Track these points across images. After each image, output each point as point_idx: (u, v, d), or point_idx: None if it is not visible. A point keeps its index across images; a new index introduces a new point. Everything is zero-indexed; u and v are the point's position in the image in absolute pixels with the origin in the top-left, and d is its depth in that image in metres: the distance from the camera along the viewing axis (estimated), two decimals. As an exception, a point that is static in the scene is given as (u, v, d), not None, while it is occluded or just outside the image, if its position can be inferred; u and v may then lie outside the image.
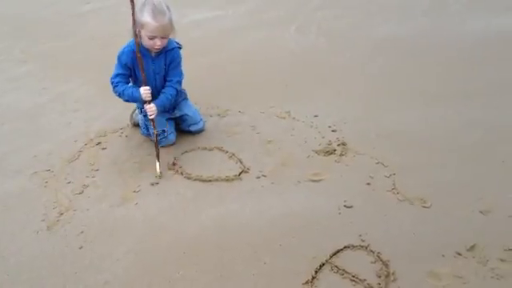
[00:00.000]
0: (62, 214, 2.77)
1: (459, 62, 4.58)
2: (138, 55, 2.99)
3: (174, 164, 3.16)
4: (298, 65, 4.75)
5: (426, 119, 3.58)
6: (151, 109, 3.09)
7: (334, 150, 3.24)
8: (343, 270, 2.28)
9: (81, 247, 2.52)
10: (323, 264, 2.32)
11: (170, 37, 3.11)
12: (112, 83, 3.18)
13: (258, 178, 3.02)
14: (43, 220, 2.72)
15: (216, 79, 4.49)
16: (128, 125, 3.65)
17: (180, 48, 3.31)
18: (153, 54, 3.16)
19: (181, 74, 3.33)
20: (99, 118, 3.78)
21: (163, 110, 3.27)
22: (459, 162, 3.07)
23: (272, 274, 2.29)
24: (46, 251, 2.50)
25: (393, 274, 2.24)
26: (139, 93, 3.06)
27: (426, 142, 3.30)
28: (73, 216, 2.74)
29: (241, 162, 3.16)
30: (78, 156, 3.32)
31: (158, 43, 3.01)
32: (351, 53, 4.97)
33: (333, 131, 3.47)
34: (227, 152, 3.28)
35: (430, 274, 2.24)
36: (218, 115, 3.78)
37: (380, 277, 2.23)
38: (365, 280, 2.22)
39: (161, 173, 3.07)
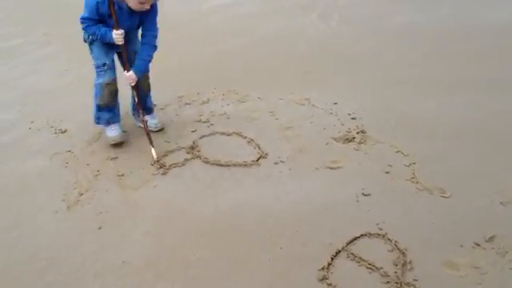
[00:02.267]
0: (81, 194, 2.81)
1: (481, 50, 4.50)
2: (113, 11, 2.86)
3: (192, 148, 3.18)
4: (318, 52, 4.71)
5: (447, 108, 3.53)
6: (130, 78, 3.03)
7: (353, 138, 3.21)
8: (359, 257, 2.27)
9: (100, 227, 2.55)
10: (339, 251, 2.31)
11: None
12: (82, 23, 2.99)
13: (276, 163, 3.01)
14: (63, 200, 2.77)
15: (235, 65, 4.49)
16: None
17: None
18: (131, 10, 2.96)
19: (156, 29, 3.11)
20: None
21: (142, 74, 3.15)
22: (480, 152, 3.03)
23: (288, 259, 2.30)
24: (65, 231, 2.54)
25: (410, 262, 2.23)
26: (111, 35, 2.93)
27: (446, 131, 3.25)
28: (92, 197, 2.78)
29: (259, 148, 3.16)
30: (99, 138, 3.35)
31: (146, 6, 2.88)
32: (372, 40, 4.92)
33: (352, 119, 3.44)
34: (246, 137, 3.29)
35: (448, 264, 2.22)
36: (238, 101, 3.78)
37: (397, 265, 2.22)
38: (381, 268, 2.21)
39: (158, 158, 3.07)
